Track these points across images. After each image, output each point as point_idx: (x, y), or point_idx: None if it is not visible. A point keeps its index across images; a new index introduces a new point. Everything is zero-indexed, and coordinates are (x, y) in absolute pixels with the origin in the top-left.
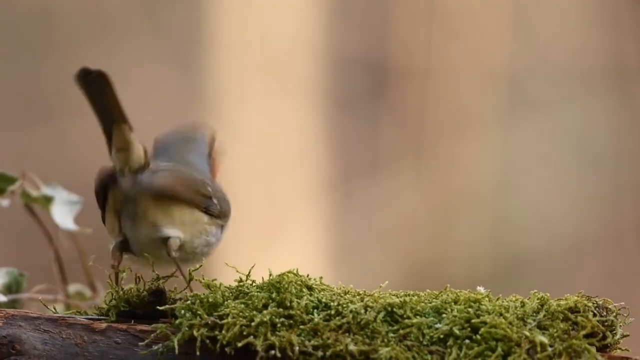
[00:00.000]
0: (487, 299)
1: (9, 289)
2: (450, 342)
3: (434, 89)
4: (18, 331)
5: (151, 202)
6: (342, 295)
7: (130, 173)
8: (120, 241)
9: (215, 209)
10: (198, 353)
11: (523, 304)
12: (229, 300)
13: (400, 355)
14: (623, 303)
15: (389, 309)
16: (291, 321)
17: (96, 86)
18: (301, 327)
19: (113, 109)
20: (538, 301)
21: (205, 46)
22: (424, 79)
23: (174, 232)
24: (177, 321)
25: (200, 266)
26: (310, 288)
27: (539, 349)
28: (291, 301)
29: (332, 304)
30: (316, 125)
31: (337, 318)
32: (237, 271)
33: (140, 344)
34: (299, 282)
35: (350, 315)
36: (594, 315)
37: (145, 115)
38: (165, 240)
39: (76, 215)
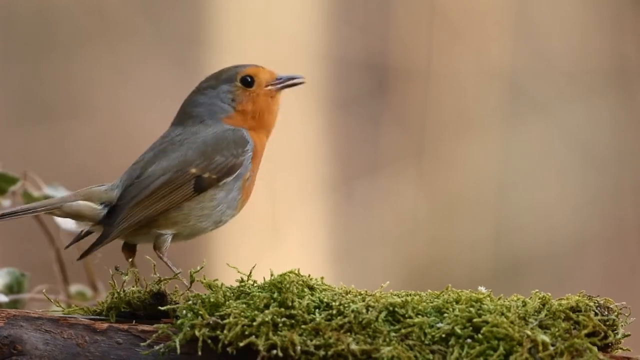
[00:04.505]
0: (488, 298)
1: (11, 289)
2: (452, 341)
3: (435, 90)
4: (19, 331)
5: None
6: (344, 295)
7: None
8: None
9: (204, 183)
10: (200, 353)
11: (524, 304)
12: (230, 301)
13: (402, 355)
14: (624, 302)
15: (391, 308)
16: (293, 321)
17: None
18: (303, 326)
19: None
20: (539, 301)
21: (206, 46)
22: (425, 80)
23: (164, 231)
24: (179, 321)
25: (202, 267)
26: (311, 288)
27: (540, 348)
28: (293, 301)
29: (333, 303)
30: (317, 125)
31: (338, 318)
32: (239, 271)
33: (141, 344)
34: (300, 282)
35: (352, 315)
36: (596, 314)
37: (146, 115)
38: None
39: None
